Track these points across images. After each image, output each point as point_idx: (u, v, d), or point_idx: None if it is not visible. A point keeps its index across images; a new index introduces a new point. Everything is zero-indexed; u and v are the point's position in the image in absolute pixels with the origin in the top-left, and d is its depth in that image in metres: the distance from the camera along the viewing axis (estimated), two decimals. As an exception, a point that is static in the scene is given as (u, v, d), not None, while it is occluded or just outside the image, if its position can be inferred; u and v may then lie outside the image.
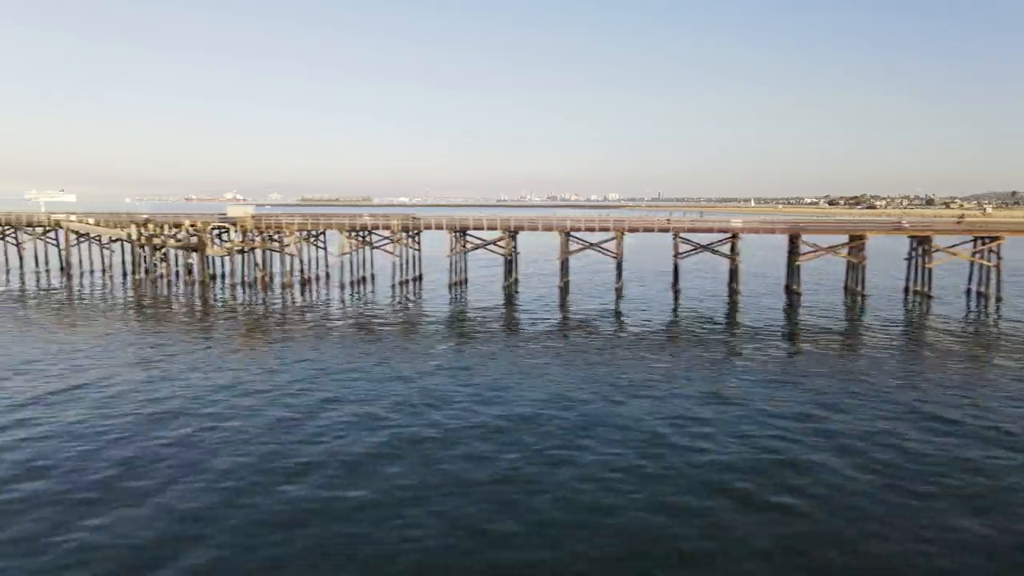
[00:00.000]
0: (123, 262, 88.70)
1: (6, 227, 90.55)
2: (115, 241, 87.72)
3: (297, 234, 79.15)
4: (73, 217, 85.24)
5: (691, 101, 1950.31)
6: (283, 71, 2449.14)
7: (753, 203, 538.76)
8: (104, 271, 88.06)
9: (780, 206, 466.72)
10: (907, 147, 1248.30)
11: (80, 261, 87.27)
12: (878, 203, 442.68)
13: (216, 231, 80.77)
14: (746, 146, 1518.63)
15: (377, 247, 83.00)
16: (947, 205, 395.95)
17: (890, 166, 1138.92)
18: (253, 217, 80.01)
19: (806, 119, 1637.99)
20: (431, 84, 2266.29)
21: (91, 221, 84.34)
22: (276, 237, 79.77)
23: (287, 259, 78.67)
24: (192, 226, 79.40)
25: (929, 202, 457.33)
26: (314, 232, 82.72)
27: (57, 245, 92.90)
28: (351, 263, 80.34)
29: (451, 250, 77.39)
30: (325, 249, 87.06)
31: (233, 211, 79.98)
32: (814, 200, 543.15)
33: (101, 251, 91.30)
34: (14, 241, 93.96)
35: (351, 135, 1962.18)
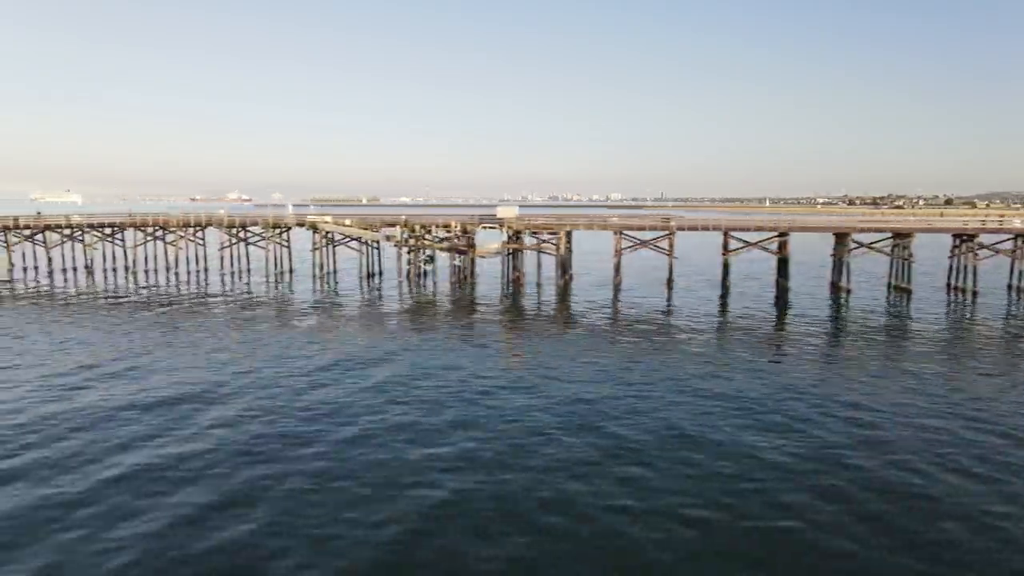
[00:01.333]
0: (366, 263, 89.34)
1: (251, 229, 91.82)
2: (359, 240, 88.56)
3: (563, 234, 79.55)
4: (328, 219, 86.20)
5: (691, 101, 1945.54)
6: (283, 71, 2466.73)
7: (768, 203, 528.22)
8: (337, 271, 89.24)
9: (819, 205, 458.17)
10: (907, 147, 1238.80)
11: (319, 263, 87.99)
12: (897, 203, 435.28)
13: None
14: (746, 146, 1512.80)
15: (631, 249, 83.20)
16: (972, 205, 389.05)
17: (890, 166, 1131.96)
18: (518, 218, 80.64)
19: (806, 119, 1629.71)
20: (431, 84, 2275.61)
21: (347, 223, 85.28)
22: (545, 237, 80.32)
23: (557, 259, 79.04)
24: (459, 227, 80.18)
25: (948, 202, 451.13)
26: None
27: (288, 247, 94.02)
28: (615, 264, 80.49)
29: (723, 251, 77.58)
30: (571, 250, 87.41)
31: (502, 212, 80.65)
32: (829, 200, 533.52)
33: (333, 252, 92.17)
34: (245, 241, 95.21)
35: (351, 135, 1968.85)
